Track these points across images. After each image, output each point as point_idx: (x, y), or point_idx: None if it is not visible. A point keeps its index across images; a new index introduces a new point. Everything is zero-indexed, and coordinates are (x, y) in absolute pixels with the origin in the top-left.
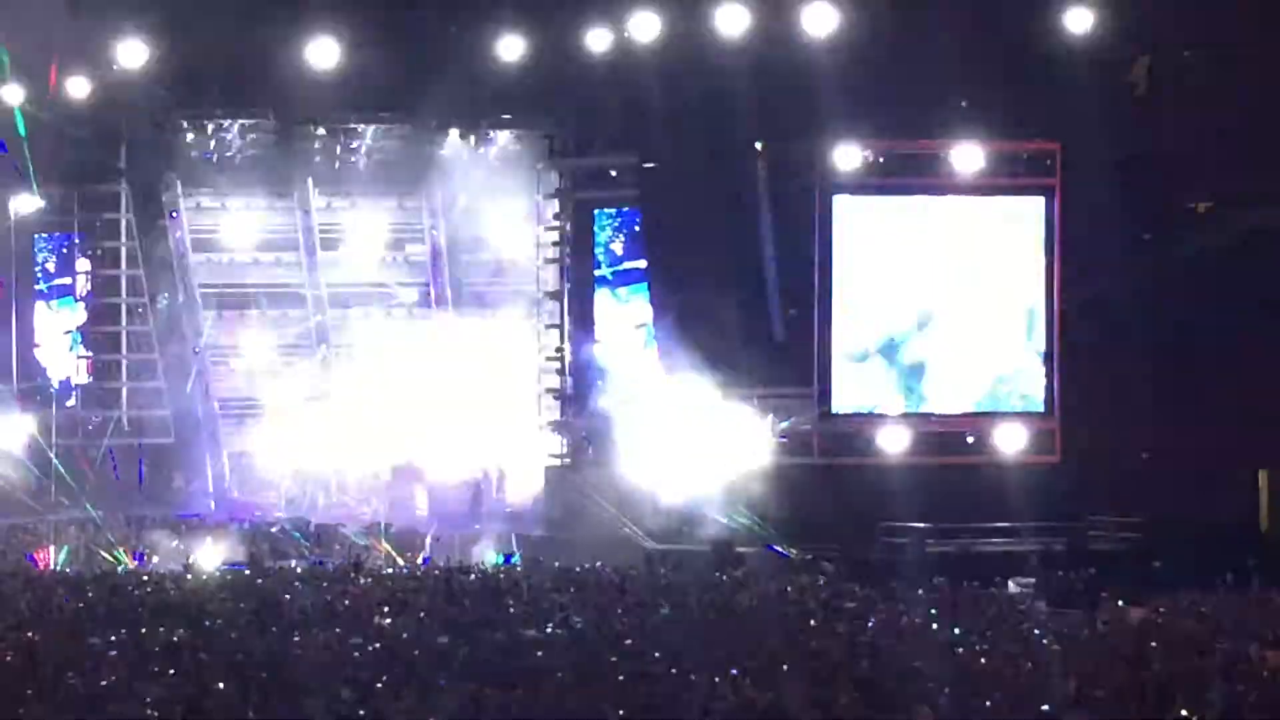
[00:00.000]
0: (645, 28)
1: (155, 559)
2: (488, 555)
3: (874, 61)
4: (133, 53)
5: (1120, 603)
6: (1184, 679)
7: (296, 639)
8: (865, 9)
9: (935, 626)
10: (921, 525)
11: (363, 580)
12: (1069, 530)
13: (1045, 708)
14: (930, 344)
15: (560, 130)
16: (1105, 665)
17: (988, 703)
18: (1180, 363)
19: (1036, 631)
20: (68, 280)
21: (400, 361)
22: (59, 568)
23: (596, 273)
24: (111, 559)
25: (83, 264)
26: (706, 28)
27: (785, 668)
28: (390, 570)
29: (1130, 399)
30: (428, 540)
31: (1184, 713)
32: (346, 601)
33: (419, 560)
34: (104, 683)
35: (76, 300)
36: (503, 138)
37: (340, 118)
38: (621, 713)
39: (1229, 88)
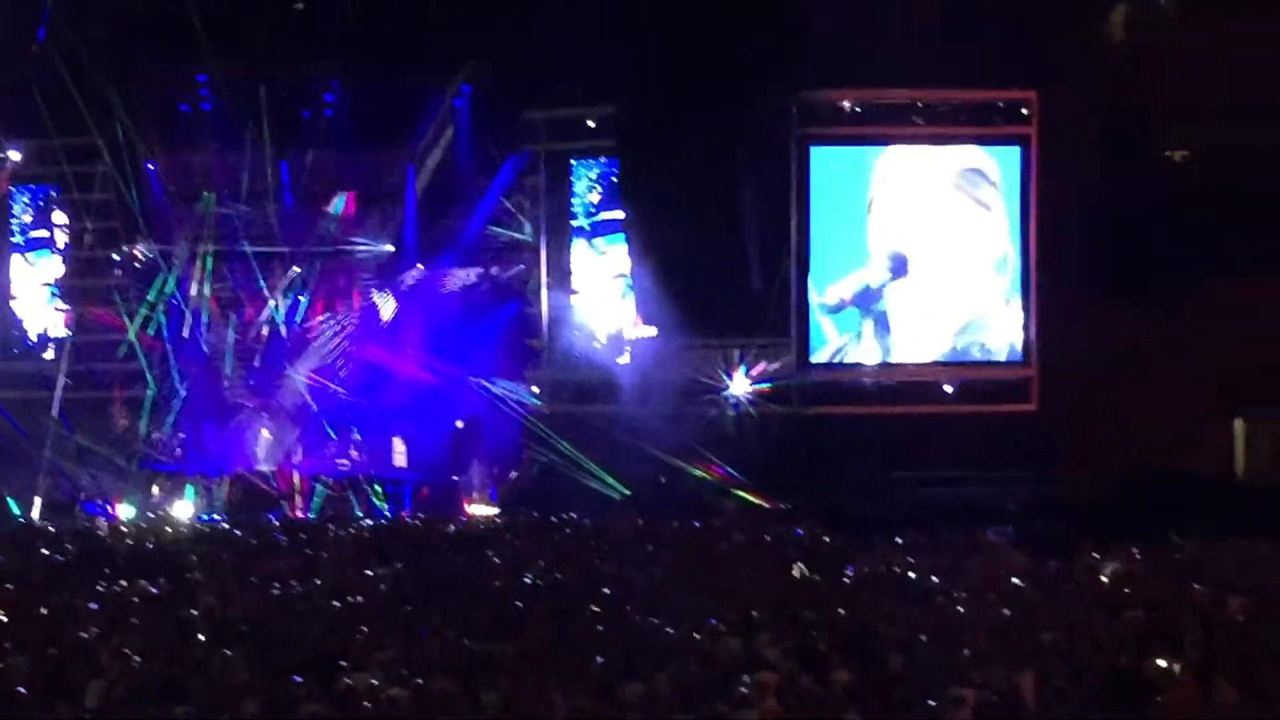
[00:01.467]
0: None
1: (133, 511)
2: (471, 507)
3: (849, 10)
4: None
5: (1097, 552)
6: (1160, 627)
7: (276, 590)
8: None
9: (913, 575)
10: (899, 474)
11: (341, 532)
12: (1046, 479)
13: (1023, 655)
14: (906, 294)
15: (536, 80)
16: (1082, 613)
17: (966, 651)
18: (1157, 312)
19: (1014, 580)
20: (45, 233)
21: (381, 312)
22: (37, 521)
23: (573, 224)
24: (90, 511)
25: (59, 216)
26: None
27: (760, 615)
28: (369, 522)
29: (1107, 348)
30: (407, 491)
31: (1160, 661)
32: (325, 553)
33: (399, 511)
34: (84, 635)
35: (54, 253)
36: (477, 88)
37: (313, 66)
38: (600, 660)
39: (1205, 36)
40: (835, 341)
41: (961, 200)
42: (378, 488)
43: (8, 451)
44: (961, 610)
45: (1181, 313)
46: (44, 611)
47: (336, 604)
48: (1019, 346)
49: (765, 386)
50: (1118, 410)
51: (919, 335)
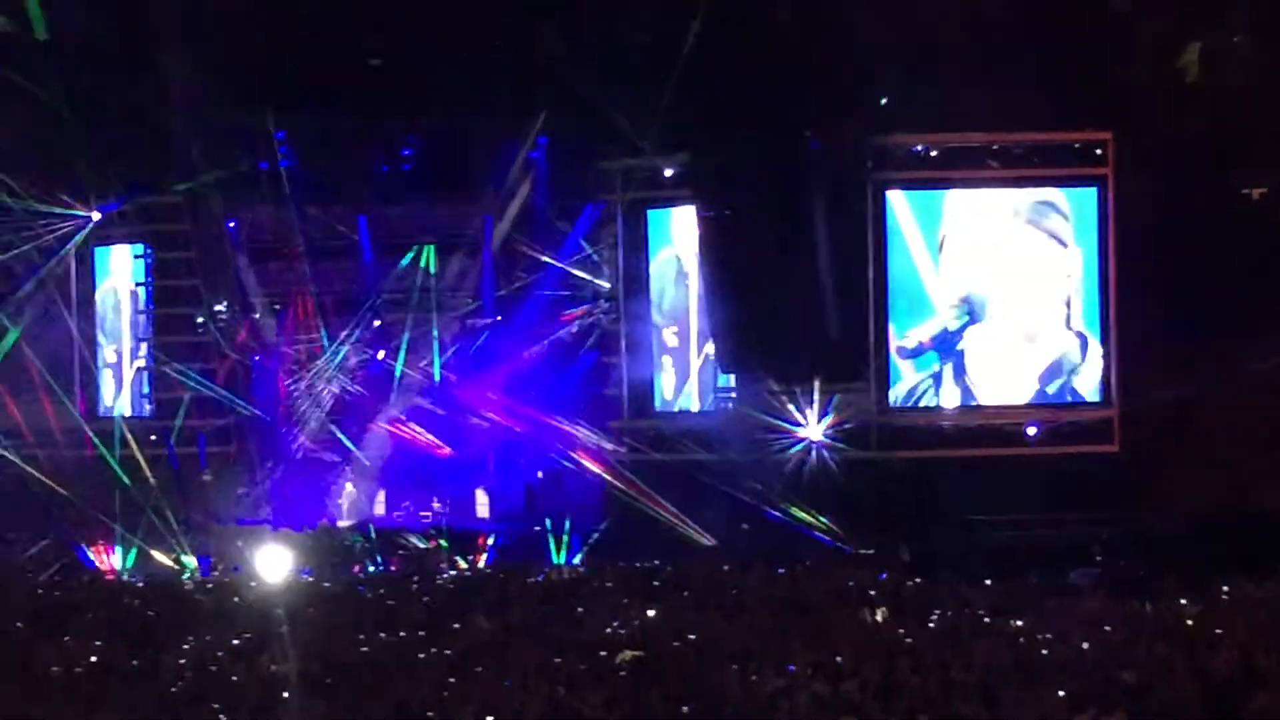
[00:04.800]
0: (693, 22)
1: (220, 566)
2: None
3: (923, 53)
4: (183, 62)
5: (1183, 592)
6: (1249, 667)
7: (362, 644)
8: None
9: (997, 618)
10: (981, 517)
11: (426, 584)
12: (1130, 520)
13: (1110, 697)
14: (984, 336)
15: (612, 131)
16: (1168, 655)
17: (1052, 694)
18: (1238, 350)
19: (1099, 622)
20: (129, 292)
21: (457, 364)
22: (125, 575)
23: (651, 272)
24: (177, 567)
25: (143, 275)
26: (754, 22)
27: (846, 661)
28: (453, 573)
29: (1188, 387)
30: (489, 542)
31: (1249, 702)
32: (410, 605)
33: (481, 562)
34: (172, 689)
35: (138, 312)
36: (554, 139)
37: (390, 120)
38: (686, 709)
39: None
40: (914, 386)
41: (1038, 239)
42: (462, 539)
43: (93, 507)
44: (1046, 653)
45: (1263, 350)
46: (131, 664)
47: (422, 656)
48: (1100, 387)
49: (846, 430)
50: (1201, 449)
51: (999, 377)
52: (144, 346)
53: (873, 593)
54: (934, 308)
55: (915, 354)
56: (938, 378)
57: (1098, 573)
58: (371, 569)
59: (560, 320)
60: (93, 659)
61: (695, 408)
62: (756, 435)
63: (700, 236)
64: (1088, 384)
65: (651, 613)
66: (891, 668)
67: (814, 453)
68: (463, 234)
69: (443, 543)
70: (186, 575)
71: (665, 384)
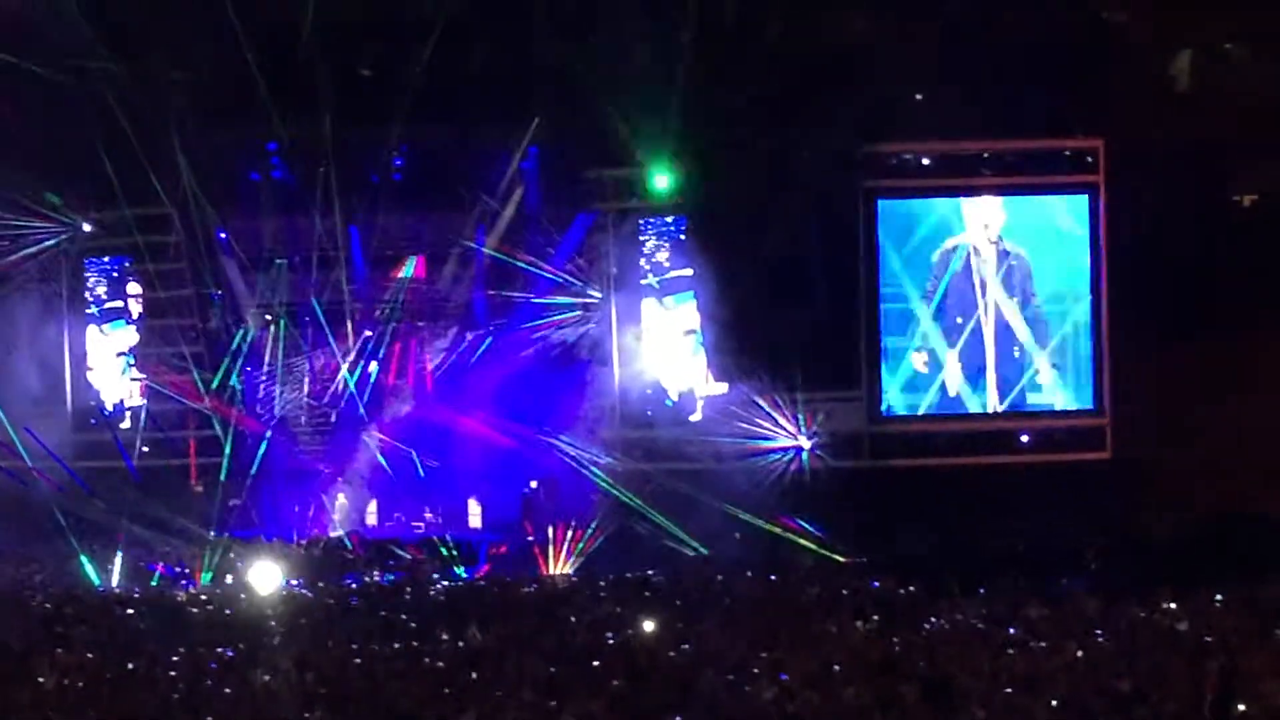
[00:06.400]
0: (684, 33)
1: (212, 577)
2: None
3: (913, 62)
4: (172, 72)
5: (1176, 599)
6: (1242, 673)
7: (355, 655)
8: (903, 7)
9: (991, 626)
10: (974, 525)
11: (418, 594)
12: (1122, 527)
13: (1104, 704)
14: (977, 344)
15: (604, 140)
16: (1162, 661)
17: (1051, 702)
18: (1229, 356)
19: (1093, 629)
20: (119, 304)
21: (449, 374)
22: (118, 588)
23: (643, 281)
24: (168, 578)
25: (133, 287)
26: (745, 30)
27: (840, 670)
28: (445, 583)
29: (1180, 394)
30: (483, 552)
31: (1242, 706)
32: (403, 616)
33: (475, 572)
34: (162, 702)
35: (128, 323)
36: (545, 148)
37: (381, 130)
38: (679, 718)
39: (1271, 79)
40: (907, 393)
41: (1024, 249)
42: (454, 549)
43: (87, 519)
44: (1041, 660)
45: (1254, 356)
46: (124, 676)
47: (415, 666)
48: (1091, 394)
49: (837, 438)
50: (1192, 456)
51: (990, 386)
52: (134, 358)
53: (865, 601)
54: (925, 316)
55: (909, 362)
56: (930, 386)
57: (1092, 579)
58: (364, 580)
59: (552, 329)
60: (86, 671)
61: (688, 417)
62: (748, 444)
63: (690, 245)
64: (1075, 392)
65: (648, 625)
66: (884, 677)
67: (806, 460)
68: (454, 244)
69: (432, 552)
70: (180, 587)
71: (657, 393)
